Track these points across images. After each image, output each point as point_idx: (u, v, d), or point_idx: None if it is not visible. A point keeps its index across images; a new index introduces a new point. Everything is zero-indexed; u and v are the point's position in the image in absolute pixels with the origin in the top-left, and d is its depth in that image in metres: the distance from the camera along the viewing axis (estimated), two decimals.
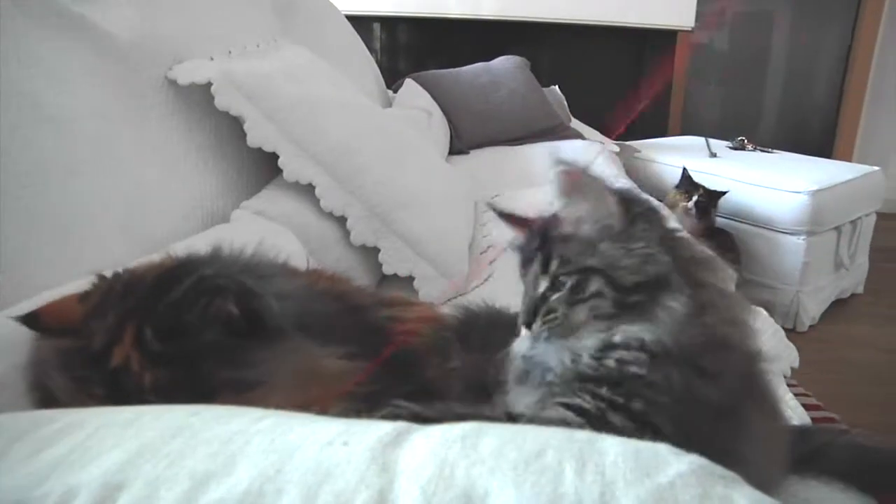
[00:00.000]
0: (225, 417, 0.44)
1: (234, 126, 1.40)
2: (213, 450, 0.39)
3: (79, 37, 1.13)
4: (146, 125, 1.24)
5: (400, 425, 0.44)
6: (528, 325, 0.63)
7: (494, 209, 0.71)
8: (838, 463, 0.87)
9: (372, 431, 0.42)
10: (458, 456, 0.39)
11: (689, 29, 3.80)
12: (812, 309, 2.77)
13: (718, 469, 0.43)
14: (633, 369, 0.55)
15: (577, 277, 0.59)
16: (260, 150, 1.37)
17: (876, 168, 3.01)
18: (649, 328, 0.56)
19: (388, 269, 1.47)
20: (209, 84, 1.32)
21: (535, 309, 0.62)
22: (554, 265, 0.61)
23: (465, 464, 0.38)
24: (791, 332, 2.68)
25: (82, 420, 0.42)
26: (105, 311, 0.59)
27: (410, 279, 1.48)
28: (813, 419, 1.97)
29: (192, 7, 1.51)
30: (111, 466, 0.37)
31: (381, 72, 2.95)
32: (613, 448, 0.42)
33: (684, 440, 0.45)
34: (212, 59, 1.44)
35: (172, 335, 0.56)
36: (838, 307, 2.95)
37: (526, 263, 0.66)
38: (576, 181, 0.60)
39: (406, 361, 0.89)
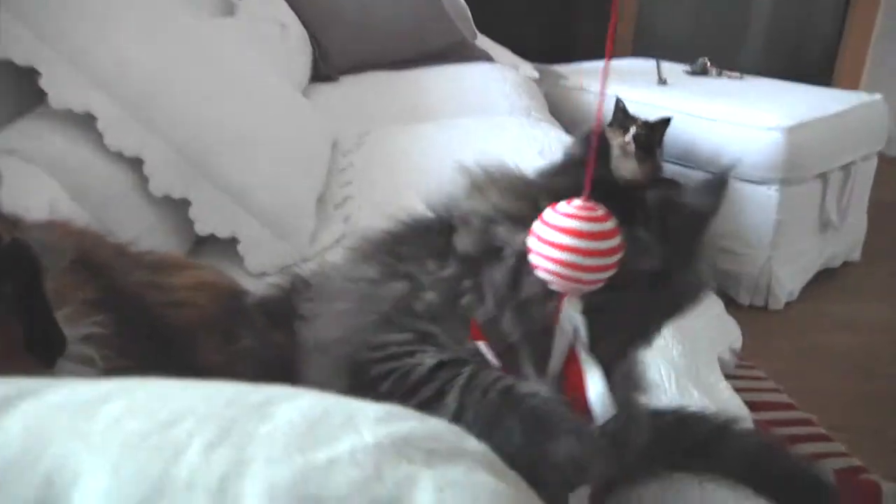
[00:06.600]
0: None
1: None
2: None
3: None
4: None
5: (25, 385, 0.44)
6: None
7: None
8: (729, 463, 0.91)
9: None
10: (62, 429, 0.39)
11: None
12: (789, 281, 2.75)
13: (430, 441, 0.45)
14: None
15: None
16: (15, 69, 1.34)
17: (876, 96, 2.96)
18: None
19: (201, 228, 1.47)
20: None
21: None
22: None
23: (69, 438, 0.38)
24: (761, 311, 2.68)
25: None
26: None
27: (234, 242, 1.47)
28: (784, 421, 2.02)
29: None
30: None
31: None
32: (287, 414, 0.42)
33: None
34: None
35: None
36: (825, 279, 2.92)
37: None
38: None
39: (170, 340, 0.89)
